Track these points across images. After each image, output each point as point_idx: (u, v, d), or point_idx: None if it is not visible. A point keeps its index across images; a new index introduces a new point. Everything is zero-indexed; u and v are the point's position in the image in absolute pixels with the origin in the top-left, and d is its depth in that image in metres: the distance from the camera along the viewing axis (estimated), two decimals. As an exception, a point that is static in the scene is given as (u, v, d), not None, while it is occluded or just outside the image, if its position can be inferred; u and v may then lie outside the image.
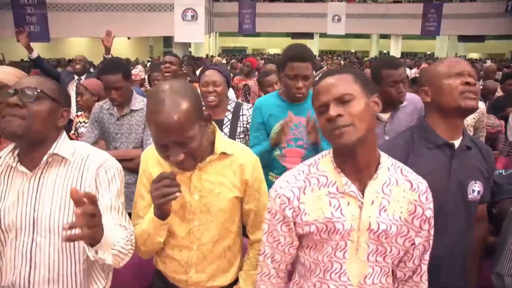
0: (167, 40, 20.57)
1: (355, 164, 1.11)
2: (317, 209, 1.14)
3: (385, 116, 2.21)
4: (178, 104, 1.10)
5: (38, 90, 1.20)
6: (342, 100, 1.07)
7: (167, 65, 3.47)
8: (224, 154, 1.32)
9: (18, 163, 1.25)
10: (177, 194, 1.14)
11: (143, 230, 1.28)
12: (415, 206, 1.15)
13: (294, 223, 1.16)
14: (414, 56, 23.91)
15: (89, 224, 0.99)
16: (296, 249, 1.23)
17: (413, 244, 1.18)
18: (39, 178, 1.24)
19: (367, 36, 26.68)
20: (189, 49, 15.96)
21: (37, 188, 1.23)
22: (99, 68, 2.35)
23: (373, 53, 25.30)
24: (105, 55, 4.18)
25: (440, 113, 1.46)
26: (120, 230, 1.25)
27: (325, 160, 1.19)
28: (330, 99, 1.08)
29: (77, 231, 1.11)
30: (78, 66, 4.82)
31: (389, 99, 2.11)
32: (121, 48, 17.90)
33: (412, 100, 2.28)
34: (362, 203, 1.11)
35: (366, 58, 17.93)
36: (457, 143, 1.47)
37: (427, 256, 1.22)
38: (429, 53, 27.99)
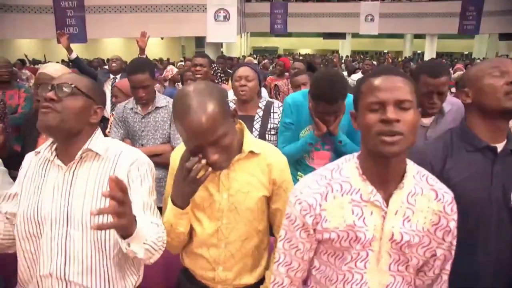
0: (199, 40, 20.85)
1: (385, 173, 1.07)
2: (338, 217, 1.09)
3: (426, 121, 2.09)
4: (205, 105, 1.12)
5: (73, 86, 1.25)
6: (401, 106, 1.01)
7: (198, 67, 3.48)
8: (252, 153, 1.32)
9: (56, 157, 1.30)
10: (209, 170, 1.16)
11: (166, 221, 1.30)
12: (439, 217, 1.11)
13: (314, 230, 1.13)
14: (450, 57, 23.17)
15: (118, 211, 1.01)
16: (313, 254, 1.19)
17: (434, 255, 1.14)
18: (73, 172, 1.28)
19: (400, 36, 26.07)
20: (221, 49, 16.10)
21: (71, 182, 1.27)
22: (127, 68, 2.42)
23: (407, 53, 24.70)
24: (139, 55, 4.28)
25: (482, 115, 1.39)
26: (152, 227, 1.26)
27: (349, 165, 1.14)
28: (391, 100, 1.01)
29: (107, 220, 1.16)
30: (114, 65, 4.97)
31: (421, 105, 2.02)
32: (154, 48, 18.28)
33: (455, 102, 2.13)
34: (385, 212, 1.07)
35: (399, 59, 17.55)
36: (500, 146, 1.38)
37: (448, 266, 1.18)
38: (466, 53, 27.07)
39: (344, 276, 1.13)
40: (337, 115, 2.03)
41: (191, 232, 1.39)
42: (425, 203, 1.10)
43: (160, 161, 2.31)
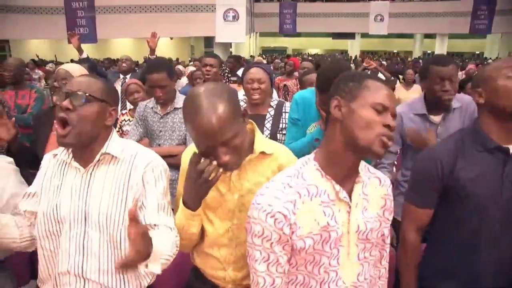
0: (208, 40, 20.90)
1: (349, 170, 1.13)
2: (311, 221, 1.09)
3: (436, 119, 2.13)
4: (215, 106, 1.12)
5: (87, 94, 1.26)
6: (394, 114, 1.09)
7: (207, 68, 3.48)
8: (263, 153, 1.32)
9: (73, 159, 1.33)
10: (220, 171, 1.17)
11: (177, 222, 1.31)
12: (385, 200, 1.22)
13: (289, 239, 1.09)
14: (461, 57, 22.93)
15: (140, 254, 1.08)
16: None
17: (383, 234, 1.22)
18: (91, 174, 1.31)
19: (410, 36, 25.89)
20: (230, 49, 16.13)
21: (89, 184, 1.30)
22: (145, 67, 2.46)
23: (417, 54, 24.52)
24: (150, 56, 4.30)
25: (495, 115, 1.39)
26: (166, 234, 1.28)
27: (308, 168, 1.14)
28: (392, 108, 1.08)
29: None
30: (124, 65, 4.99)
31: (435, 97, 2.04)
32: (164, 48, 18.38)
33: (464, 100, 2.18)
34: (350, 207, 1.13)
35: (409, 59, 17.42)
36: None
37: (388, 240, 1.27)
38: (478, 53, 26.77)
39: (321, 277, 1.14)
40: None
41: (202, 232, 1.40)
42: (373, 190, 1.19)
43: (175, 163, 2.31)
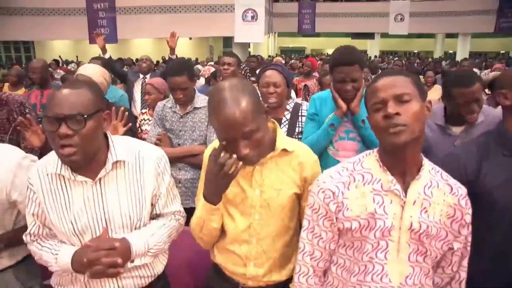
0: (227, 40, 20.97)
1: (401, 164, 1.13)
2: (360, 205, 1.15)
3: (456, 130, 2.00)
4: (239, 98, 1.16)
5: (85, 116, 1.19)
6: (401, 99, 1.08)
7: (225, 66, 3.53)
8: (285, 150, 1.35)
9: (75, 174, 1.29)
10: (240, 164, 1.19)
11: (198, 217, 1.35)
12: (454, 209, 1.16)
13: (336, 218, 1.18)
14: (484, 56, 22.38)
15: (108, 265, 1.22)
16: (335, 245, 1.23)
17: (451, 248, 1.18)
18: (101, 183, 1.32)
19: (431, 36, 25.43)
20: (249, 49, 16.15)
21: (102, 193, 1.32)
22: (165, 69, 2.48)
23: (438, 54, 24.08)
24: (170, 56, 4.36)
25: None
26: (165, 222, 1.41)
27: (370, 158, 1.21)
28: (389, 96, 1.09)
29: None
30: (144, 65, 5.06)
31: (459, 116, 1.93)
32: (183, 48, 18.53)
33: (489, 113, 2.02)
34: (404, 202, 1.13)
35: (429, 59, 17.11)
36: None
37: (465, 263, 1.22)
38: (503, 52, 26.08)
39: (365, 267, 1.16)
40: (357, 85, 2.02)
41: (223, 228, 1.42)
42: (441, 196, 1.15)
43: (195, 162, 2.32)
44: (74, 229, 1.31)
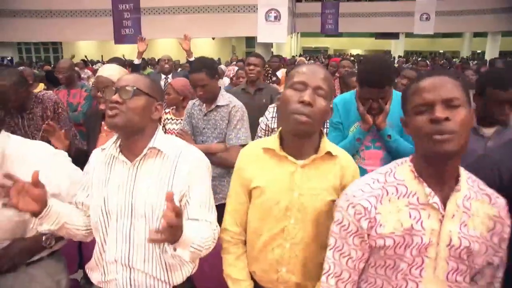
0: (250, 40, 21.04)
1: (441, 174, 1.04)
2: (395, 221, 1.06)
3: (488, 131, 1.89)
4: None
5: (135, 88, 1.33)
6: (450, 104, 0.99)
7: (251, 67, 3.55)
8: (328, 154, 1.32)
9: (120, 153, 1.38)
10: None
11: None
12: (495, 222, 1.07)
13: (368, 235, 1.08)
14: (514, 56, 21.66)
15: (172, 233, 1.11)
16: (364, 264, 1.14)
17: (491, 263, 1.09)
18: (137, 168, 1.36)
19: (457, 35, 24.81)
20: (271, 49, 16.14)
21: (135, 177, 1.35)
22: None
23: (465, 54, 23.45)
24: (188, 59, 4.32)
25: None
26: (203, 227, 1.34)
27: (403, 168, 1.11)
28: (438, 99, 0.99)
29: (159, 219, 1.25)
30: (166, 66, 5.11)
31: (492, 118, 1.85)
32: (205, 48, 18.67)
33: None
34: (443, 216, 1.04)
35: (456, 59, 16.70)
36: None
37: (500, 273, 1.13)
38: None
39: (398, 283, 1.09)
40: (384, 101, 1.97)
41: (256, 232, 1.39)
42: (480, 207, 1.07)
43: (214, 160, 2.33)
44: (104, 206, 1.35)
